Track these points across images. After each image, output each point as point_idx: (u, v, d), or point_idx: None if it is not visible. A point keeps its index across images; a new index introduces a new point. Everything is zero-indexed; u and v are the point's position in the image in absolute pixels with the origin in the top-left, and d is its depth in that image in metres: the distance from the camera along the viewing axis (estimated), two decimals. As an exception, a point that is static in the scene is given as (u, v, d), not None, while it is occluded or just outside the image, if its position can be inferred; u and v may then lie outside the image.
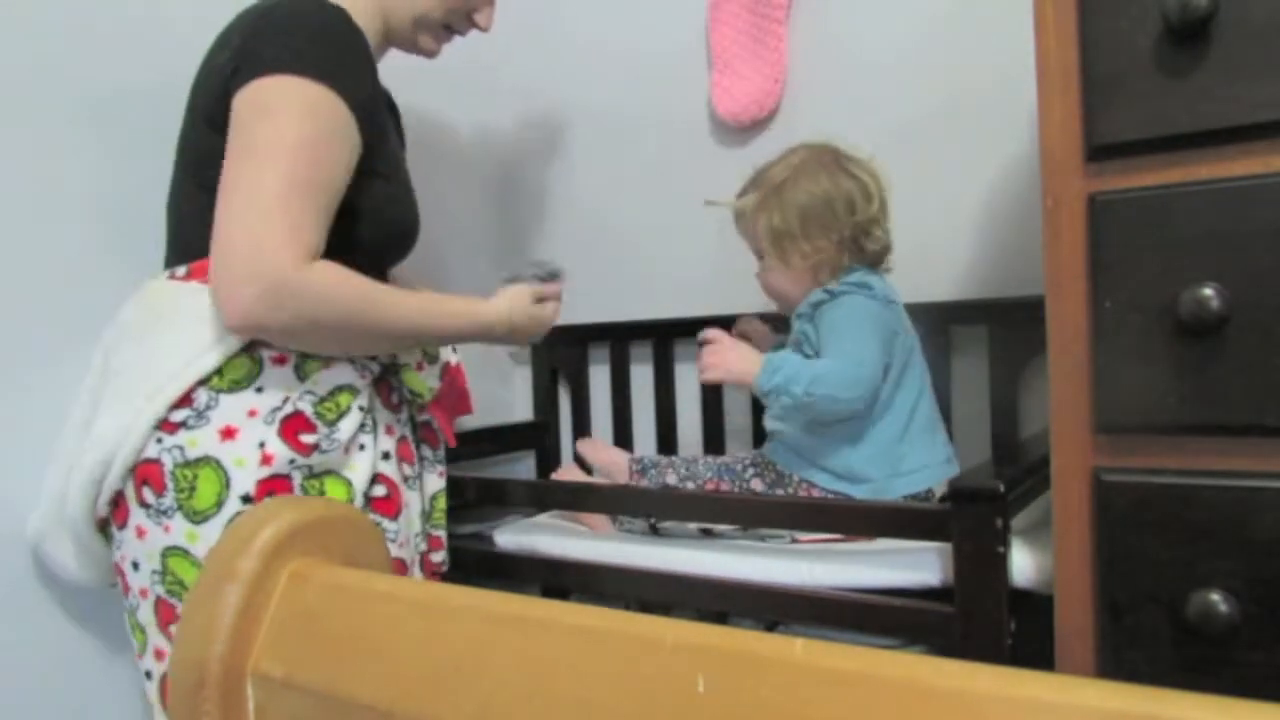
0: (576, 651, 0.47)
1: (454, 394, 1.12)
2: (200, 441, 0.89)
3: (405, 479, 1.04)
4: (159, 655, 0.91)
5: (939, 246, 1.36)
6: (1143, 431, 0.71)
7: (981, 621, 0.83)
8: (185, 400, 0.90)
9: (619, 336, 1.66)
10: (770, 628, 1.09)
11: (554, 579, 1.22)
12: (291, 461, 0.91)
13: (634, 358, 1.67)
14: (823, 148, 1.18)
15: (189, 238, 0.97)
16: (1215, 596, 0.67)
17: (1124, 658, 0.72)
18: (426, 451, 1.12)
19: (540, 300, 1.12)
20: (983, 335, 1.32)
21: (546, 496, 1.25)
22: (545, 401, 1.75)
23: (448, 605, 0.55)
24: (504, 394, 1.80)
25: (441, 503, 1.13)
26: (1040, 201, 0.74)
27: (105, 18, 1.12)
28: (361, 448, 0.97)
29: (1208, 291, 0.66)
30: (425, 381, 1.06)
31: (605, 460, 1.34)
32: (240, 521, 0.61)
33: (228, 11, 0.99)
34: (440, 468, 1.13)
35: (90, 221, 1.09)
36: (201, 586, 0.59)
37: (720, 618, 1.17)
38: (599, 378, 1.71)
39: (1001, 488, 0.82)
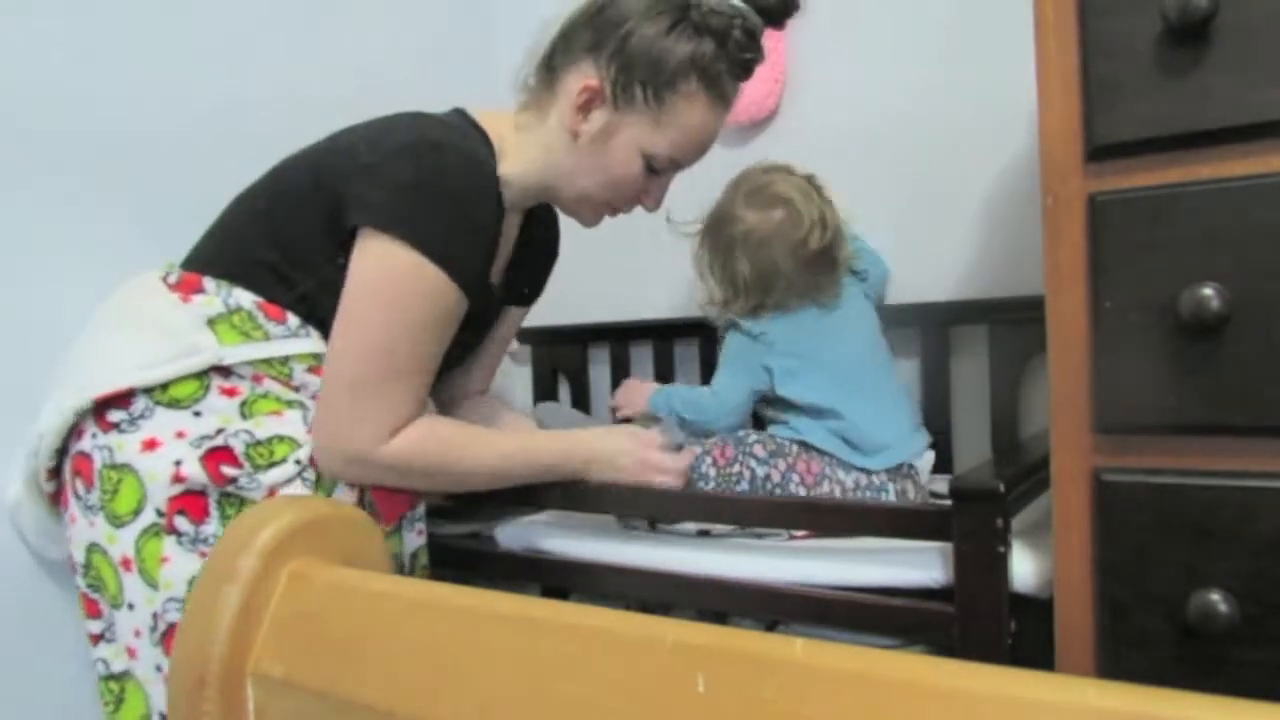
0: (576, 651, 0.47)
1: None
2: (125, 447, 0.89)
3: None
4: (97, 640, 0.93)
5: (939, 246, 1.36)
6: (1143, 431, 0.71)
7: (981, 621, 0.83)
8: (124, 402, 0.90)
9: (619, 336, 1.66)
10: (770, 627, 1.09)
11: (554, 579, 1.22)
12: (205, 485, 0.89)
13: (634, 358, 1.67)
14: (748, 181, 1.23)
15: (209, 252, 0.99)
16: (1215, 596, 0.67)
17: (1124, 658, 0.72)
18: (409, 511, 1.07)
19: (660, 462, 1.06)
20: (983, 335, 1.32)
21: (546, 497, 1.25)
22: (545, 401, 1.75)
23: (448, 605, 0.55)
24: (504, 394, 1.80)
25: (423, 559, 1.09)
26: (1040, 201, 0.74)
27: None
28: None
29: (1208, 291, 0.66)
30: None
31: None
32: (240, 521, 0.62)
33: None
34: (420, 525, 1.07)
35: (96, 201, 1.11)
36: (201, 586, 0.59)
37: (720, 617, 1.17)
38: (599, 378, 1.71)
39: (1001, 488, 0.82)
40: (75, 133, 1.10)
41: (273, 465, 0.91)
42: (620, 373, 1.67)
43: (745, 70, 1.02)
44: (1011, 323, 1.26)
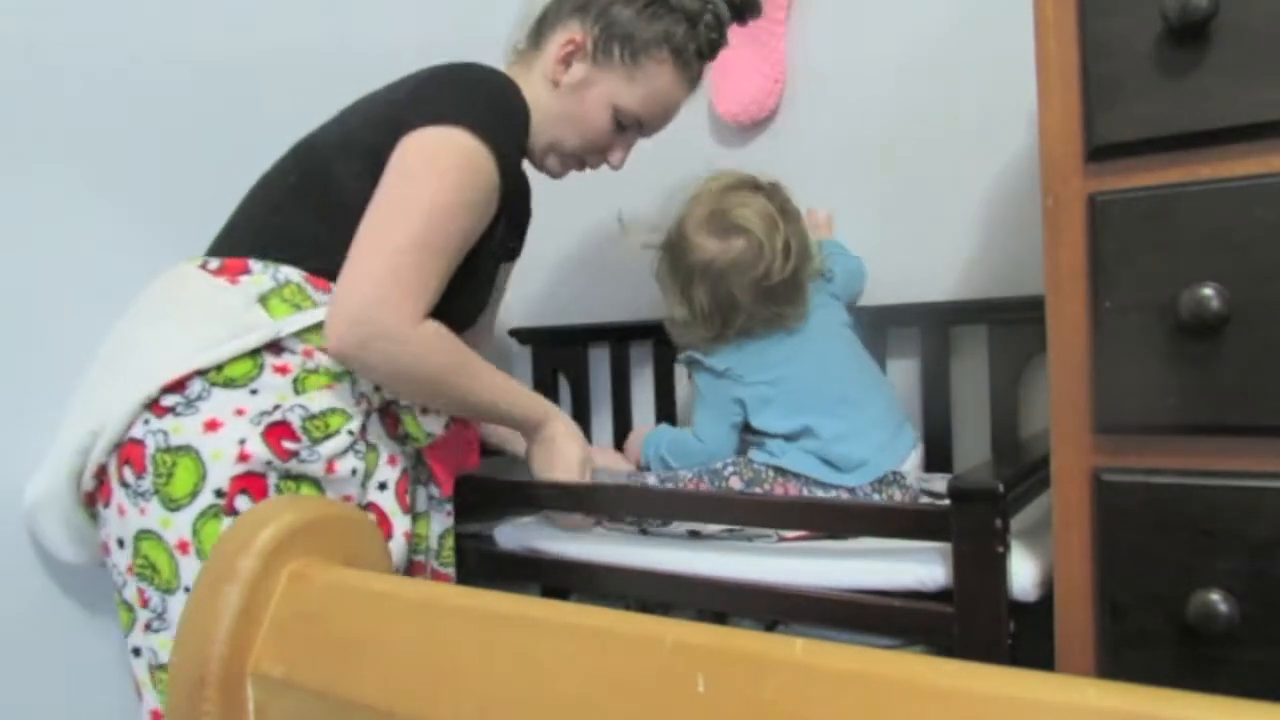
0: (576, 651, 0.47)
1: (460, 445, 1.11)
2: (184, 429, 0.89)
3: (404, 512, 1.03)
4: (145, 629, 0.92)
5: (939, 246, 1.36)
6: (1143, 431, 0.71)
7: (981, 621, 0.83)
8: (179, 387, 0.90)
9: (619, 336, 1.66)
10: (770, 628, 1.09)
11: (554, 579, 1.22)
12: (269, 462, 0.91)
13: (634, 358, 1.67)
14: (708, 219, 1.17)
15: (244, 236, 1.00)
16: (1215, 596, 0.67)
17: (1124, 658, 0.72)
18: (434, 490, 1.11)
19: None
20: (983, 335, 1.32)
21: (546, 497, 1.25)
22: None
23: (448, 605, 0.55)
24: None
25: (450, 541, 1.12)
26: (1040, 201, 0.74)
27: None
28: (354, 472, 0.96)
29: (1208, 291, 0.66)
30: (424, 427, 1.04)
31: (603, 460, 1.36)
32: (240, 521, 0.62)
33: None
34: (448, 506, 1.12)
35: (107, 205, 1.11)
36: (201, 586, 0.59)
37: (720, 618, 1.17)
38: (599, 378, 1.71)
39: (1001, 488, 0.82)
40: (75, 130, 1.10)
41: (328, 437, 0.94)
42: (620, 373, 1.67)
43: (711, 51, 1.16)
44: (1011, 323, 1.26)
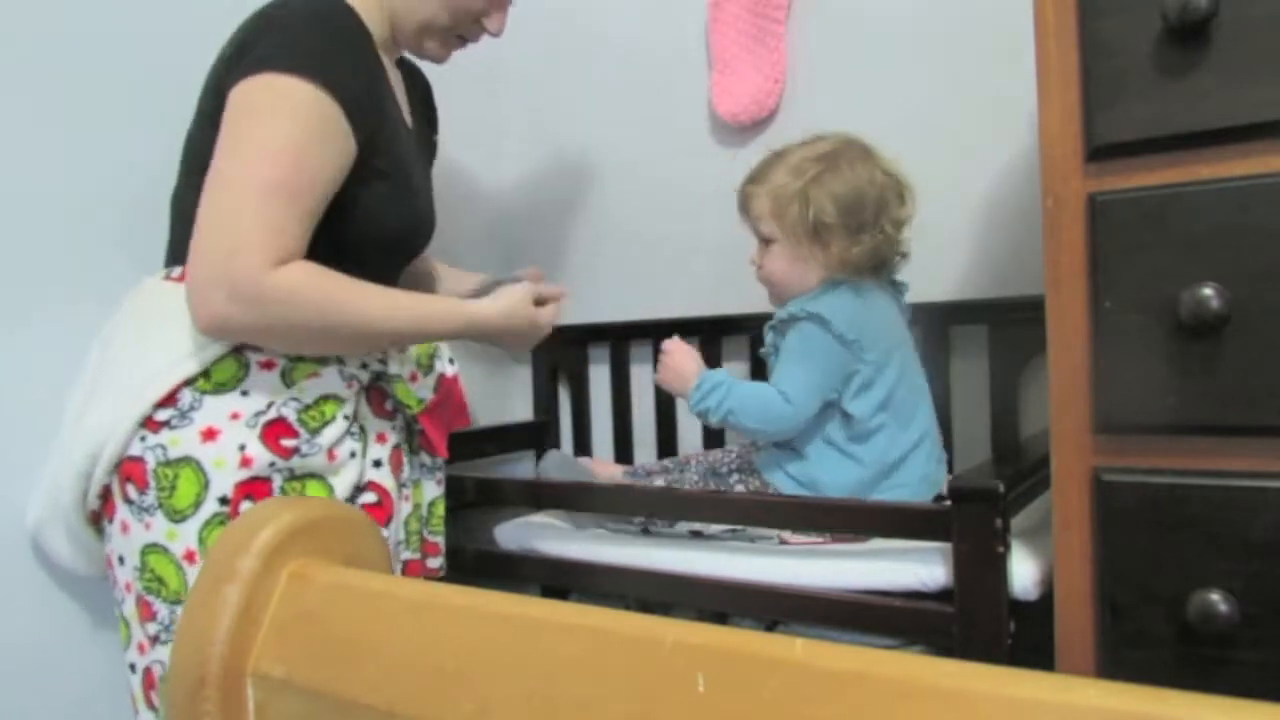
0: (576, 651, 0.47)
1: (450, 406, 1.11)
2: (182, 441, 0.89)
3: (400, 485, 1.04)
4: (141, 649, 0.92)
5: (939, 246, 1.36)
6: (1143, 431, 0.71)
7: (981, 621, 0.83)
8: (170, 400, 0.90)
9: (619, 336, 1.66)
10: (770, 628, 1.09)
11: (554, 579, 1.22)
12: (271, 464, 0.91)
13: (634, 358, 1.67)
14: (853, 139, 1.14)
15: (187, 238, 0.97)
16: (1215, 596, 0.67)
17: (1124, 658, 0.72)
18: (425, 459, 1.12)
19: (540, 303, 1.09)
20: (983, 335, 1.32)
21: (546, 496, 1.25)
22: (545, 401, 1.75)
23: (448, 605, 0.55)
24: (504, 394, 1.80)
25: (440, 509, 1.13)
26: (1040, 201, 0.74)
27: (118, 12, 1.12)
28: (353, 455, 0.97)
29: (1208, 291, 0.66)
30: (416, 394, 1.04)
31: (605, 475, 1.35)
32: (240, 521, 0.62)
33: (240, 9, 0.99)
34: (439, 474, 1.13)
35: (95, 217, 1.10)
36: (201, 586, 0.59)
37: (720, 618, 1.17)
38: (599, 378, 1.71)
39: (1001, 488, 0.82)
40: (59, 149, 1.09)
41: (325, 425, 0.94)
42: (620, 373, 1.67)
43: None
44: (1011, 323, 1.26)
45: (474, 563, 1.22)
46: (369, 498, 0.99)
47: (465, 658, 0.51)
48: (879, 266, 1.14)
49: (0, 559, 1.02)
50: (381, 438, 1.02)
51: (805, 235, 1.11)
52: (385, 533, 0.99)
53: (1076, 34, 0.71)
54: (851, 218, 1.09)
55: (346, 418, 0.96)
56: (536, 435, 1.73)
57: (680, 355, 1.18)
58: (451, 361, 1.11)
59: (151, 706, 0.94)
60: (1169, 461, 0.70)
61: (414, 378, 1.04)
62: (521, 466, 1.73)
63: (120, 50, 1.13)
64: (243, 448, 0.90)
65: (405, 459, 1.07)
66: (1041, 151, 0.73)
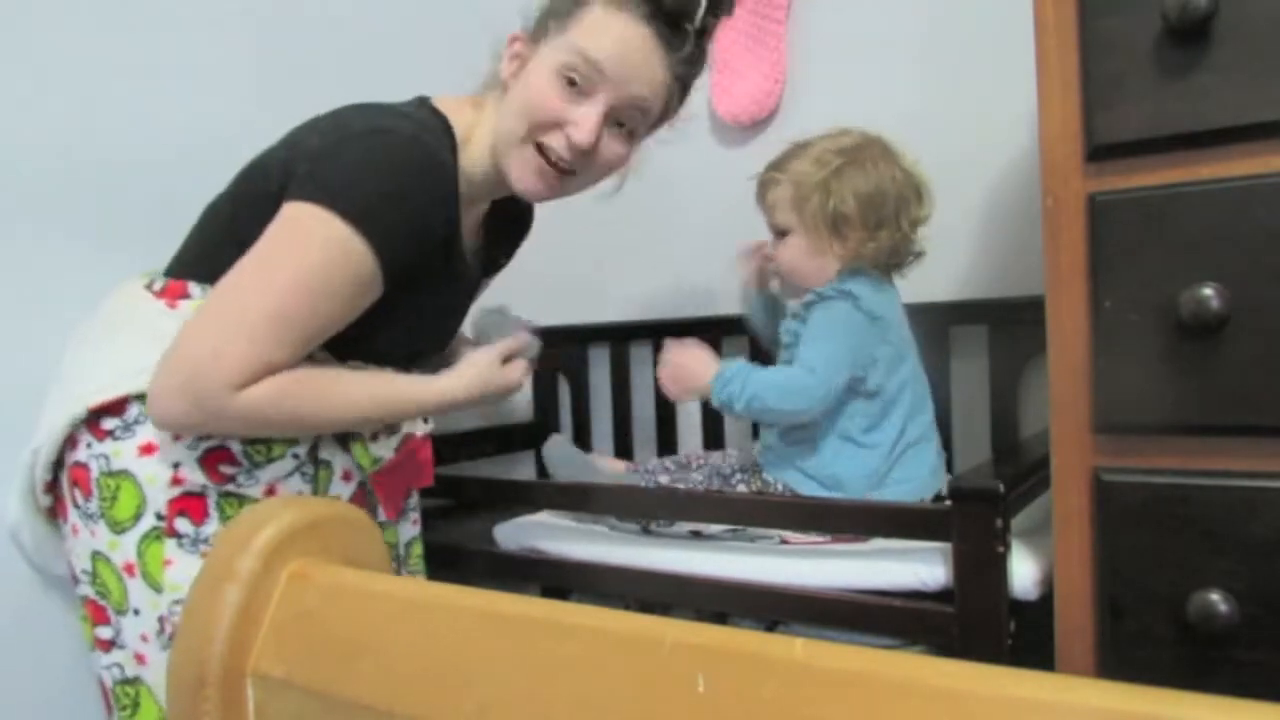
0: (576, 651, 0.47)
1: (411, 466, 1.06)
2: (123, 453, 0.89)
3: None
4: (110, 645, 0.92)
5: (939, 246, 1.35)
6: (1143, 431, 0.71)
7: (981, 621, 0.83)
8: (118, 410, 0.89)
9: (619, 336, 1.66)
10: (770, 628, 1.09)
11: (554, 579, 1.22)
12: (204, 486, 0.90)
13: (634, 358, 1.67)
14: (875, 137, 1.15)
15: (188, 259, 0.98)
16: (1215, 596, 0.67)
17: (1124, 658, 0.72)
18: (408, 501, 1.10)
19: (508, 359, 1.06)
20: (983, 335, 1.32)
21: (546, 496, 1.25)
22: (545, 401, 1.75)
23: (448, 605, 0.55)
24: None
25: (417, 549, 1.11)
26: (1040, 201, 0.74)
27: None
28: (299, 495, 0.95)
29: (1208, 291, 0.66)
30: (372, 453, 1.01)
31: (609, 468, 1.35)
32: (240, 521, 0.62)
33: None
34: (415, 515, 1.11)
35: (79, 216, 1.12)
36: (201, 586, 0.59)
37: (720, 618, 1.17)
38: (599, 378, 1.71)
39: (1001, 488, 0.82)
40: (36, 146, 1.10)
41: (270, 461, 0.92)
42: (620, 373, 1.67)
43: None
44: (1011, 323, 1.26)
45: (474, 563, 1.22)
46: None
47: (465, 658, 0.51)
48: (893, 264, 1.15)
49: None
50: (347, 475, 1.00)
51: (825, 226, 1.10)
52: None
53: (1076, 33, 0.71)
54: (871, 213, 1.09)
55: (296, 457, 0.94)
56: (536, 435, 1.73)
57: (686, 357, 1.16)
58: (426, 420, 1.05)
59: (109, 707, 0.94)
60: (1169, 461, 0.70)
61: (375, 437, 1.01)
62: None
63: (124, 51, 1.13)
64: (176, 465, 0.89)
65: (366, 499, 1.04)
66: (1041, 151, 0.73)
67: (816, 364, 1.06)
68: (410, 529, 1.11)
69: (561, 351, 1.70)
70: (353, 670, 0.54)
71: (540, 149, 0.96)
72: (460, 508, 1.25)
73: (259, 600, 0.58)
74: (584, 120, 0.94)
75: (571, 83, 0.94)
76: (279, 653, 0.57)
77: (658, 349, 1.61)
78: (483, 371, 1.03)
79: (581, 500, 1.15)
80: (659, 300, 1.64)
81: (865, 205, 1.09)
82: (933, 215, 1.14)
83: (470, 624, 0.52)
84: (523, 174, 0.97)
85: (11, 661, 1.06)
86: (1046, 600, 0.80)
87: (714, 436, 1.56)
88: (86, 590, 0.93)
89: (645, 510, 1.13)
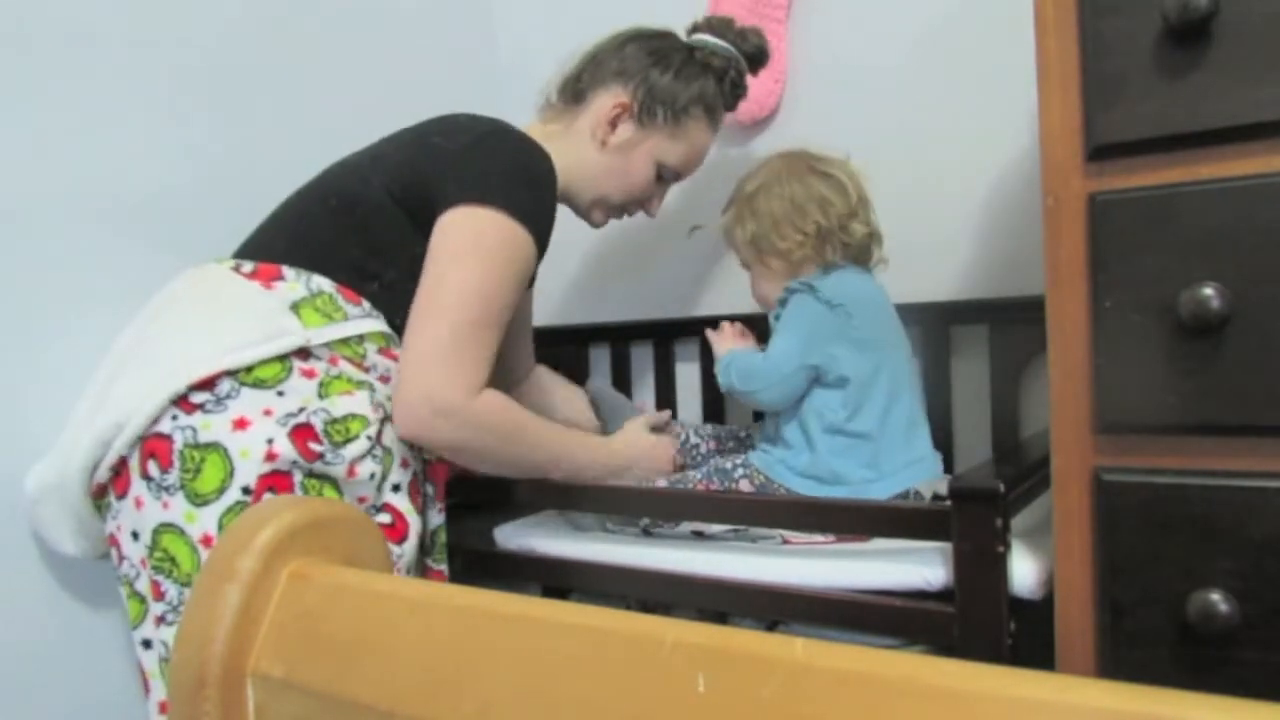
0: (576, 651, 0.47)
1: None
2: (213, 426, 0.91)
3: (417, 512, 1.05)
4: (159, 622, 0.92)
5: (939, 246, 1.36)
6: (1143, 431, 0.71)
7: (981, 621, 0.83)
8: (208, 384, 0.92)
9: (619, 336, 1.66)
10: (770, 628, 1.09)
11: (554, 579, 1.22)
12: (294, 462, 0.92)
13: (634, 358, 1.67)
14: (794, 155, 1.20)
15: (276, 243, 1.04)
16: (1215, 596, 0.67)
17: (1124, 658, 0.72)
18: (429, 488, 1.12)
19: (655, 430, 1.27)
20: (983, 335, 1.32)
21: (546, 496, 1.25)
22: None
23: (448, 605, 0.55)
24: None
25: (442, 537, 1.14)
26: (1040, 201, 0.74)
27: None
28: (372, 476, 0.98)
29: (1208, 291, 0.66)
30: None
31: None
32: (240, 521, 0.62)
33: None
34: (441, 504, 1.14)
35: (122, 207, 1.14)
36: (201, 586, 0.59)
37: (720, 618, 1.17)
38: (599, 378, 1.71)
39: (1001, 487, 0.82)
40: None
41: (349, 441, 0.96)
42: (620, 373, 1.67)
43: (735, 102, 1.28)
44: (1011, 323, 1.26)
45: (474, 563, 1.22)
46: (384, 518, 1.00)
47: (465, 658, 0.51)
48: (860, 259, 1.18)
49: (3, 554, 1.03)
50: (405, 463, 1.04)
51: (754, 256, 1.20)
52: (399, 549, 0.99)
53: (1077, 33, 0.71)
54: (790, 226, 1.15)
55: (369, 439, 0.97)
56: (537, 435, 1.72)
57: (713, 340, 1.27)
58: None
59: (148, 689, 0.95)
60: (1169, 461, 0.70)
61: None
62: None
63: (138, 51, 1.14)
64: (270, 441, 0.91)
65: (420, 487, 1.08)
66: (1041, 151, 0.73)
67: (773, 350, 1.15)
68: (436, 516, 1.13)
69: (562, 351, 1.70)
70: (353, 670, 0.54)
71: (621, 209, 1.27)
72: (461, 507, 1.25)
73: (259, 600, 0.58)
74: (659, 200, 1.29)
75: (660, 177, 1.24)
76: (279, 653, 0.57)
77: (658, 349, 1.62)
78: (641, 443, 1.23)
79: (579, 500, 1.15)
80: (659, 300, 1.64)
81: (784, 221, 1.15)
82: (861, 206, 1.16)
83: (470, 624, 0.52)
84: (599, 219, 1.28)
85: (32, 640, 1.06)
86: (1047, 600, 0.80)
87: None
88: (135, 567, 0.93)
89: (646, 511, 1.13)
